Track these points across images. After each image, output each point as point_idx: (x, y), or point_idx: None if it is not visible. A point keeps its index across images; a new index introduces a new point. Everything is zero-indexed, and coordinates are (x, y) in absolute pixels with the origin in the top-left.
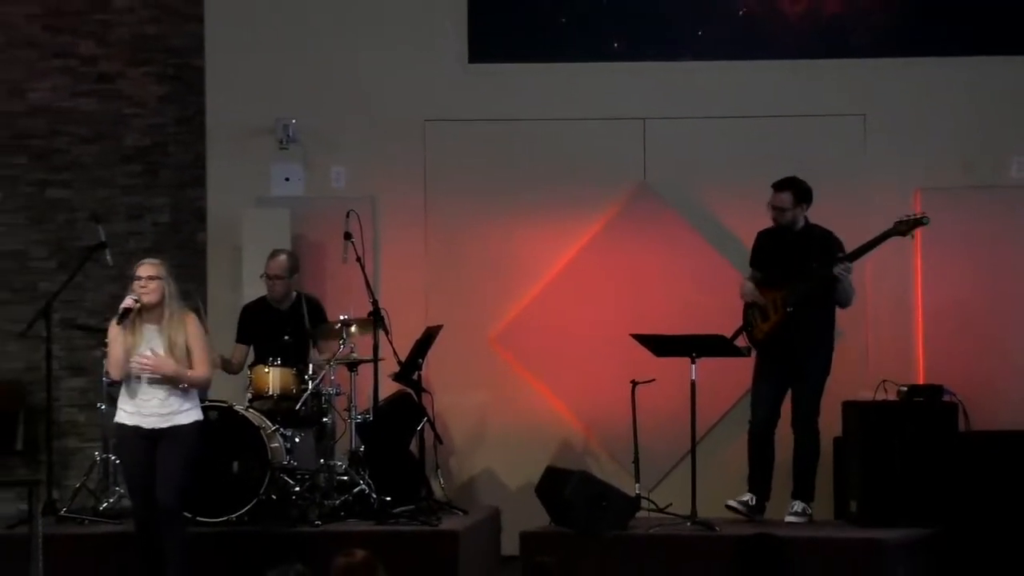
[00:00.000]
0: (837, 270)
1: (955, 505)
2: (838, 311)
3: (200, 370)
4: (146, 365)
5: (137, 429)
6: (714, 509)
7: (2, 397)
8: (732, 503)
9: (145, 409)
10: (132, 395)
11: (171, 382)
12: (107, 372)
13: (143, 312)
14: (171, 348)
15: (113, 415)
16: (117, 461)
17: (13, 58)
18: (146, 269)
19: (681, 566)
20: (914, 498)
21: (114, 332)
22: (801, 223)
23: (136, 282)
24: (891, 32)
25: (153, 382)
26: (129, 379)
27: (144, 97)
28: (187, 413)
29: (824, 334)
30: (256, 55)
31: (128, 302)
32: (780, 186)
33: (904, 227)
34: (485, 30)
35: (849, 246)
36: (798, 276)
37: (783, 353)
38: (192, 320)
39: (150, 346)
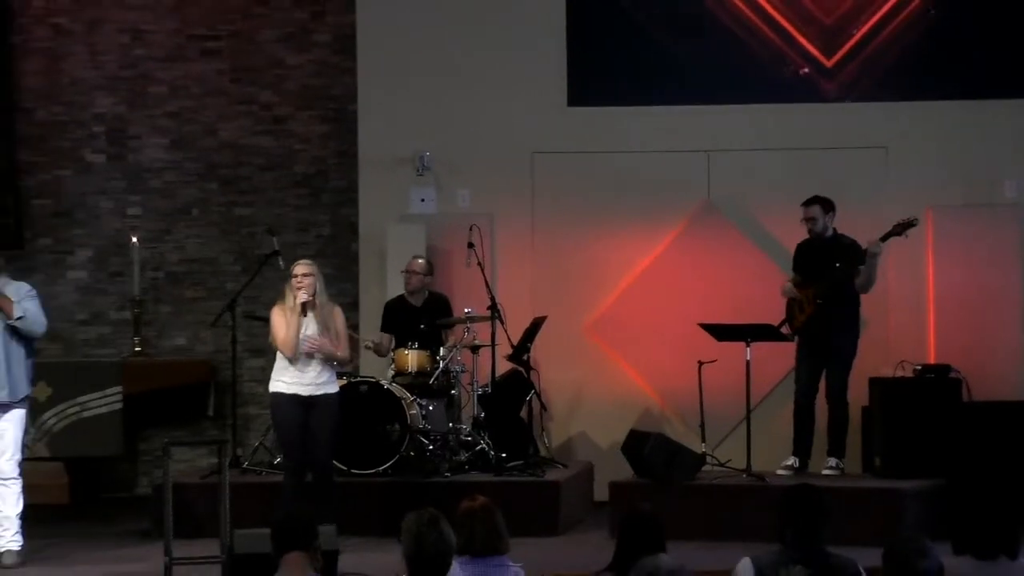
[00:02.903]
0: (871, 249)
1: (959, 461)
2: (864, 303)
3: (345, 351)
4: (314, 345)
5: (296, 396)
6: (765, 464)
7: (198, 373)
8: (780, 471)
9: (304, 379)
10: (293, 368)
11: (327, 358)
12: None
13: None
14: (325, 331)
15: None
16: (273, 422)
17: (207, 105)
18: (301, 268)
19: (738, 509)
20: (926, 455)
21: (279, 318)
22: (831, 231)
23: (294, 279)
24: (907, 80)
25: (312, 357)
26: (294, 356)
27: (310, 135)
28: (332, 384)
29: (849, 323)
30: (398, 100)
31: (304, 296)
32: (808, 202)
33: (900, 228)
34: (580, 80)
35: None
36: (825, 275)
37: (817, 339)
38: (339, 311)
39: (308, 330)
